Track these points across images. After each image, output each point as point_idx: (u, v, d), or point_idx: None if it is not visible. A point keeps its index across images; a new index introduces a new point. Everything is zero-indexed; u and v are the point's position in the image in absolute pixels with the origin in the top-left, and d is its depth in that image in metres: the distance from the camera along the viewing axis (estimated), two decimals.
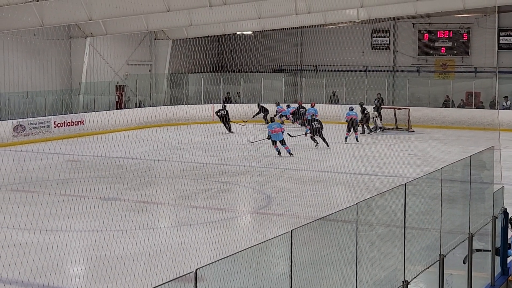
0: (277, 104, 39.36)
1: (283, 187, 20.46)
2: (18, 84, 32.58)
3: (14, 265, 12.11)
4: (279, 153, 26.86)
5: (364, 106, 34.95)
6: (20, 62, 32.83)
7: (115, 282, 11.54)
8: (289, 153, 26.73)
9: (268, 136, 27.35)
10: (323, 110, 35.27)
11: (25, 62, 33.14)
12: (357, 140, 31.03)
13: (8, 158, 24.75)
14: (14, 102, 31.88)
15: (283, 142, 26.97)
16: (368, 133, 34.25)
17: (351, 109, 32.08)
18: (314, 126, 29.10)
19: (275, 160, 25.87)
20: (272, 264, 7.87)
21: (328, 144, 28.67)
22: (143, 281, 11.50)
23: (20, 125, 29.89)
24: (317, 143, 28.87)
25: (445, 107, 39.73)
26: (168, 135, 31.05)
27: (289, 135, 29.14)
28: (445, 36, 42.35)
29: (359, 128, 32.87)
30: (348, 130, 31.21)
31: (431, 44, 42.79)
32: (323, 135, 28.87)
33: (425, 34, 42.91)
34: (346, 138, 30.88)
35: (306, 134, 30.90)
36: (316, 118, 30.67)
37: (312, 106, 33.80)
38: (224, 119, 35.63)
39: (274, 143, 27.06)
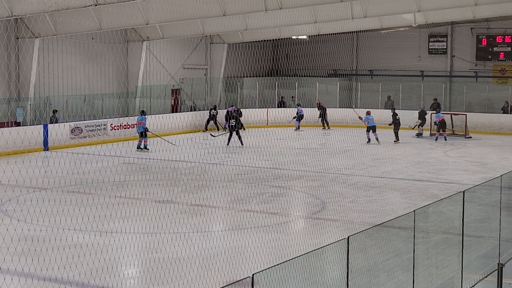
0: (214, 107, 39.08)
1: (337, 192, 20.30)
2: (76, 87, 33.08)
3: (75, 266, 12.26)
4: (139, 147, 28.93)
5: (396, 111, 33.75)
6: (78, 66, 33.33)
7: (170, 284, 11.59)
8: (146, 147, 28.92)
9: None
10: (379, 115, 34.72)
11: (83, 66, 33.62)
12: (445, 139, 33.11)
13: (65, 160, 25.14)
14: (72, 104, 32.38)
15: (143, 135, 29.03)
16: (395, 141, 32.42)
17: (438, 111, 34.29)
18: (231, 124, 30.30)
19: (329, 165, 25.74)
20: (327, 270, 7.81)
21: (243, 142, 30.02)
22: (197, 284, 11.52)
23: (78, 127, 30.32)
24: (228, 143, 30.15)
25: (504, 113, 39.01)
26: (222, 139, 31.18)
27: (212, 135, 31.42)
28: (504, 41, 41.64)
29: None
30: (438, 130, 33.40)
31: (489, 49, 42.12)
32: (240, 134, 30.19)
33: (483, 39, 42.24)
34: (437, 138, 33.18)
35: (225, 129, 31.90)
36: (234, 115, 31.11)
37: (368, 114, 31.95)
38: (214, 119, 36.89)
39: (141, 134, 28.92)
